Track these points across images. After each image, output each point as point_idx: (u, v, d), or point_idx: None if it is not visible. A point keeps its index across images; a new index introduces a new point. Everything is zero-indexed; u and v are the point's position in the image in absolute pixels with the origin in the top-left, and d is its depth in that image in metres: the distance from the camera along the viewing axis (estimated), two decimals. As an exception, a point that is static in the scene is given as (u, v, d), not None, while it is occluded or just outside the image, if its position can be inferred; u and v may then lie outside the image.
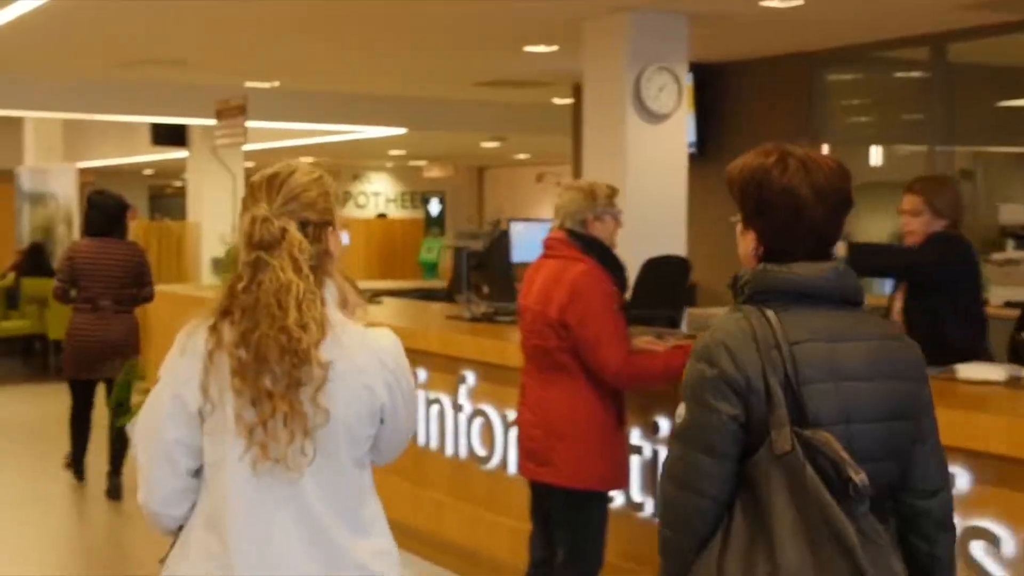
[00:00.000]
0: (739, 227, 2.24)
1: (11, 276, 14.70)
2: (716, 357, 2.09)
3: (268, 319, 2.08)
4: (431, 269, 16.91)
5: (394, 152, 17.11)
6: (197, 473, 2.21)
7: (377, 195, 21.03)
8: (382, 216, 19.45)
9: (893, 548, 2.10)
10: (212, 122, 12.13)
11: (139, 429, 2.26)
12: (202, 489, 2.21)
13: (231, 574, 2.13)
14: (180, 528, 2.25)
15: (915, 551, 2.19)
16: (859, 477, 1.95)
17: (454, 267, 9.07)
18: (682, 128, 7.36)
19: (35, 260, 14.80)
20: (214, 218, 12.70)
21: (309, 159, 2.39)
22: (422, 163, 20.22)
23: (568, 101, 11.15)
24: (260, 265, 2.11)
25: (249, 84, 11.03)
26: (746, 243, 2.22)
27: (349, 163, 19.96)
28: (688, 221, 7.39)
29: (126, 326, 6.93)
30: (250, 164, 14.54)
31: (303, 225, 2.15)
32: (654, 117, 7.13)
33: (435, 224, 16.85)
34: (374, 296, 7.16)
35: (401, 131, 12.65)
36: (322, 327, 2.11)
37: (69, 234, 16.84)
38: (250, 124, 9.92)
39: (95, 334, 6.82)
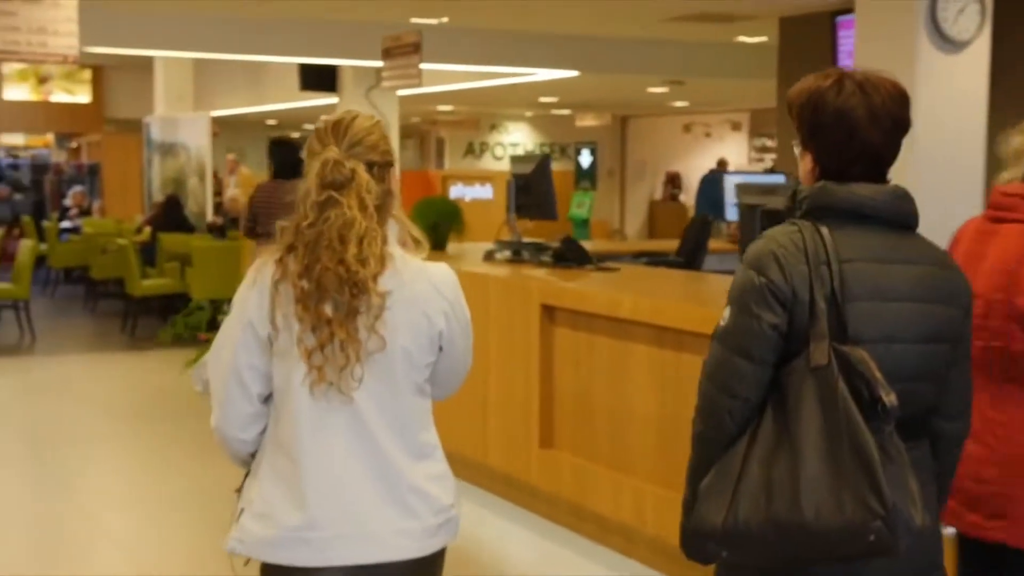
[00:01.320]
0: (798, 150, 2.27)
1: (147, 231, 13.90)
2: (766, 266, 2.13)
3: (329, 252, 2.20)
4: (582, 225, 15.76)
5: (544, 99, 15.93)
6: (266, 401, 2.33)
7: (515, 146, 19.88)
8: (523, 168, 18.36)
9: (914, 467, 2.10)
10: (366, 63, 11.14)
11: (212, 357, 2.35)
12: (271, 414, 2.33)
13: (303, 495, 2.24)
14: (251, 456, 2.37)
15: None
16: (889, 398, 1.99)
17: (695, 232, 8.06)
18: (984, 58, 6.05)
19: (172, 214, 13.96)
20: (367, 169, 11.68)
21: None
22: (564, 112, 19.01)
23: (758, 39, 9.87)
24: (330, 203, 2.23)
25: (416, 20, 9.94)
26: (804, 165, 2.26)
27: (489, 111, 18.85)
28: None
29: None
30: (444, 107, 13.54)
31: (369, 166, 2.26)
32: (952, 45, 5.84)
33: (585, 177, 15.67)
34: (600, 264, 6.04)
35: (572, 74, 11.46)
36: (382, 261, 2.22)
37: (202, 186, 16.08)
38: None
39: None
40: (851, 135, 2.17)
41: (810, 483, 2.00)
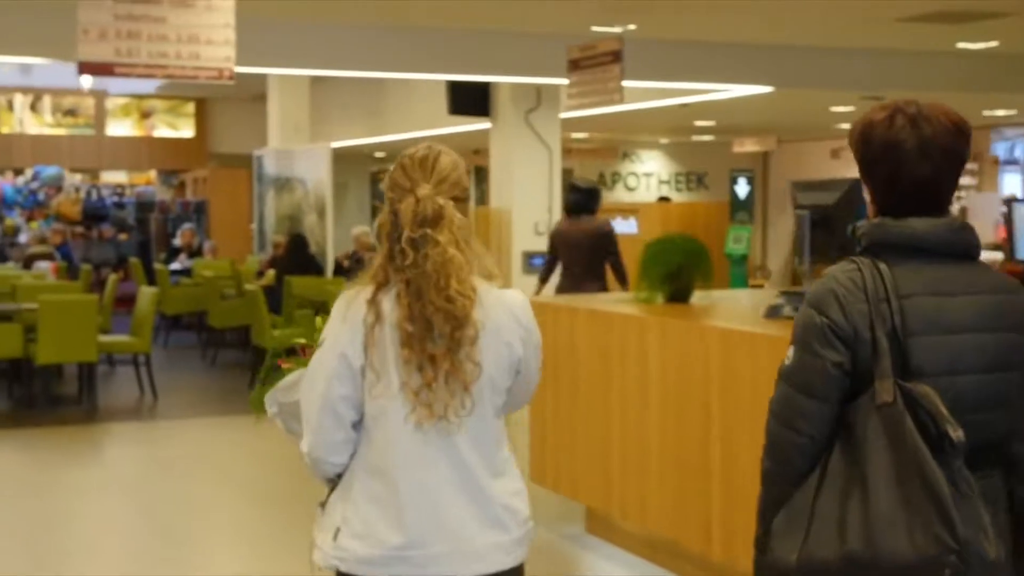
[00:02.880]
0: (864, 185, 2.29)
1: (270, 274, 12.63)
2: (826, 306, 2.17)
3: (435, 289, 2.28)
4: (740, 263, 14.21)
5: (701, 123, 14.46)
6: (356, 425, 2.41)
7: (649, 176, 18.41)
8: (664, 200, 16.84)
9: (984, 498, 2.09)
10: (526, 80, 9.79)
11: (306, 387, 2.43)
12: (363, 439, 2.41)
13: (401, 516, 2.35)
14: (338, 476, 2.45)
15: (1015, 495, 2.23)
16: (956, 433, 2.01)
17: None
18: None
19: (297, 255, 12.64)
20: (527, 203, 10.28)
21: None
22: (705, 138, 17.53)
23: (984, 45, 8.31)
24: (425, 240, 2.31)
25: (597, 29, 8.54)
26: (867, 200, 2.28)
27: (623, 139, 17.42)
28: None
29: (595, 290, 8.00)
30: (578, 134, 12.03)
31: (454, 202, 2.36)
32: None
33: (741, 208, 14.17)
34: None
35: (765, 90, 9.96)
36: (476, 292, 2.33)
37: (321, 224, 14.85)
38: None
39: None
40: (900, 168, 2.18)
41: (882, 519, 2.02)
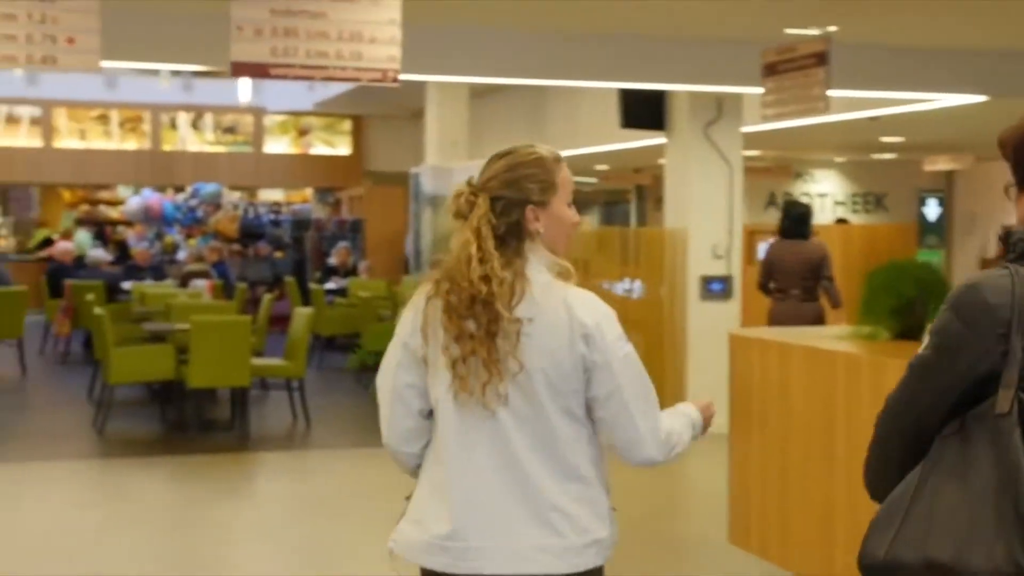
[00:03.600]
0: (1013, 191, 2.17)
1: (427, 295, 12.11)
2: (966, 310, 2.05)
3: (461, 275, 2.35)
4: (928, 290, 13.05)
5: (888, 139, 13.38)
6: (429, 416, 2.48)
7: (823, 196, 17.32)
8: (842, 221, 15.76)
9: None
10: (707, 89, 8.99)
11: (379, 379, 2.51)
12: (433, 427, 2.47)
13: (450, 504, 2.38)
14: (419, 467, 2.51)
15: None
16: None
17: None
18: None
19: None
20: (705, 224, 9.45)
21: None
22: (887, 156, 16.37)
23: None
24: (458, 233, 2.40)
25: (791, 31, 7.69)
26: (1021, 207, 2.15)
27: (796, 157, 16.39)
28: None
29: (814, 312, 8.27)
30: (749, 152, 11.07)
31: (495, 200, 2.38)
32: None
33: (931, 232, 13.00)
34: None
35: (977, 99, 8.93)
36: (511, 287, 2.33)
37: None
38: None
39: (789, 320, 8.00)
40: None
41: (970, 527, 1.96)
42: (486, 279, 2.31)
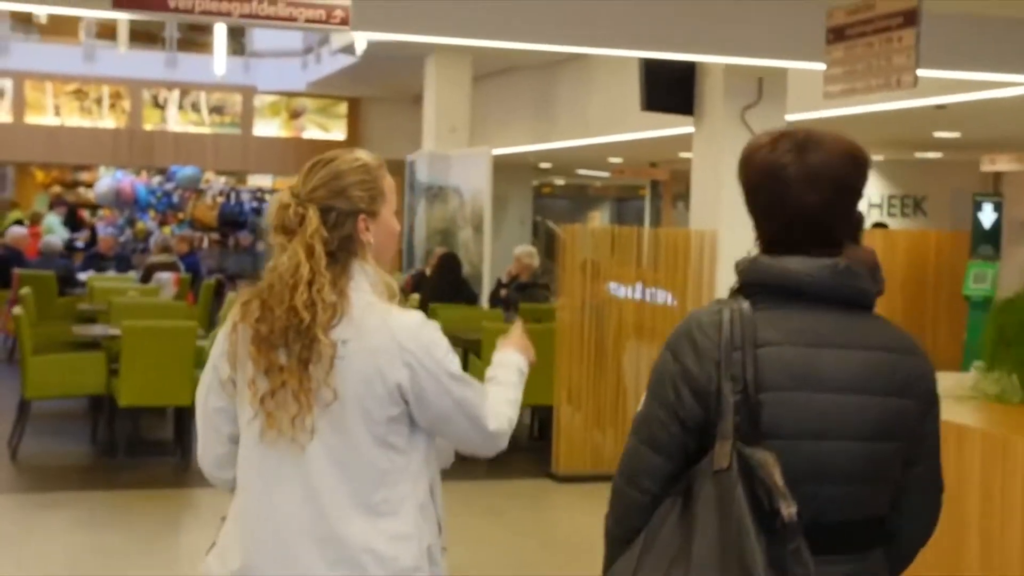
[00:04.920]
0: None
1: (414, 298, 10.59)
2: (681, 351, 1.96)
3: (278, 299, 2.19)
4: (981, 307, 11.52)
5: (942, 134, 11.85)
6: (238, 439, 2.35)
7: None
8: (881, 226, 14.25)
9: None
10: (749, 62, 7.49)
11: (196, 400, 2.40)
12: (238, 456, 2.32)
13: (244, 539, 2.24)
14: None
15: None
16: (788, 511, 1.80)
17: None
18: None
19: (447, 278, 10.60)
20: (738, 225, 7.95)
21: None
22: (930, 155, 14.83)
23: None
24: (281, 250, 2.22)
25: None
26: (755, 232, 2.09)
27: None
28: None
29: None
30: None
31: (326, 211, 2.23)
32: None
33: (986, 240, 11.55)
34: None
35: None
36: (333, 309, 2.18)
37: (478, 240, 12.82)
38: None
39: None
40: (781, 196, 1.98)
41: None
42: (311, 304, 2.17)
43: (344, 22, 4.07)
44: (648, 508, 1.95)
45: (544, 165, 20.70)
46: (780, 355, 1.89)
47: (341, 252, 2.22)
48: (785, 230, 1.98)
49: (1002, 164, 12.38)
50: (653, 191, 20.38)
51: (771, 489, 1.80)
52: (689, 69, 8.14)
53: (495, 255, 12.79)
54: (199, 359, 7.86)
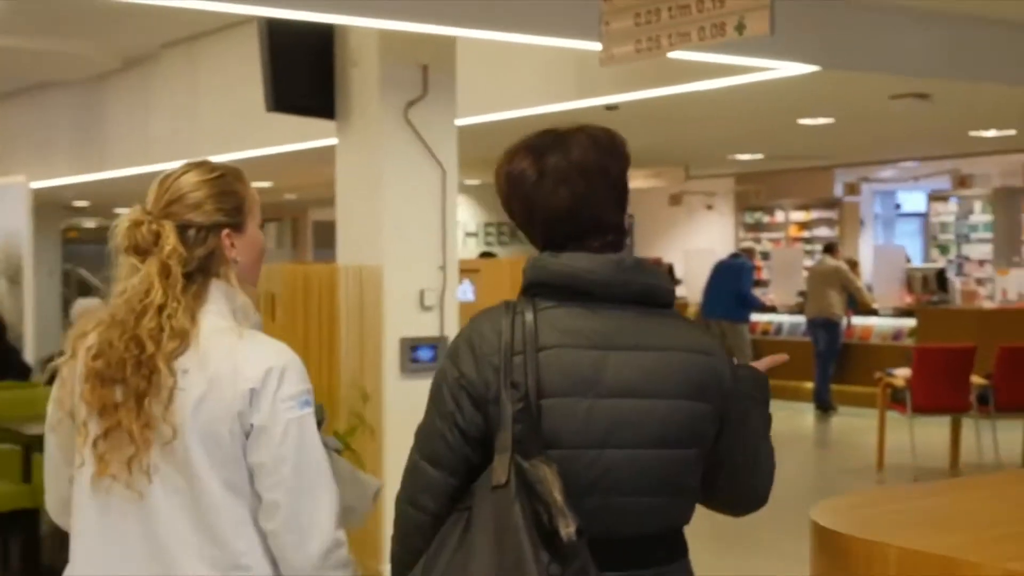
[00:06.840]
0: None
1: None
2: (460, 357, 1.88)
3: (120, 328, 2.00)
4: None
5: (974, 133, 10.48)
6: None
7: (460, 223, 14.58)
8: (487, 255, 13.05)
9: None
10: (414, 27, 5.52)
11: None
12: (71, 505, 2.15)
13: None
14: None
15: None
16: (567, 530, 1.71)
17: None
18: None
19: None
20: (403, 257, 6.06)
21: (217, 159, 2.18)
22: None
23: None
24: (131, 272, 2.04)
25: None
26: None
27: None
28: None
29: None
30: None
31: (184, 228, 2.05)
32: None
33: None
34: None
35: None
36: (180, 336, 1.99)
37: (14, 295, 10.12)
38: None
39: None
40: (530, 199, 1.93)
41: None
42: (157, 332, 1.95)
43: None
44: (431, 528, 1.85)
45: (79, 203, 17.77)
46: (561, 358, 1.83)
47: (199, 274, 2.04)
48: (545, 230, 1.93)
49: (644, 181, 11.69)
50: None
51: (549, 505, 1.72)
52: (327, 51, 6.13)
53: (38, 314, 10.33)
54: None
